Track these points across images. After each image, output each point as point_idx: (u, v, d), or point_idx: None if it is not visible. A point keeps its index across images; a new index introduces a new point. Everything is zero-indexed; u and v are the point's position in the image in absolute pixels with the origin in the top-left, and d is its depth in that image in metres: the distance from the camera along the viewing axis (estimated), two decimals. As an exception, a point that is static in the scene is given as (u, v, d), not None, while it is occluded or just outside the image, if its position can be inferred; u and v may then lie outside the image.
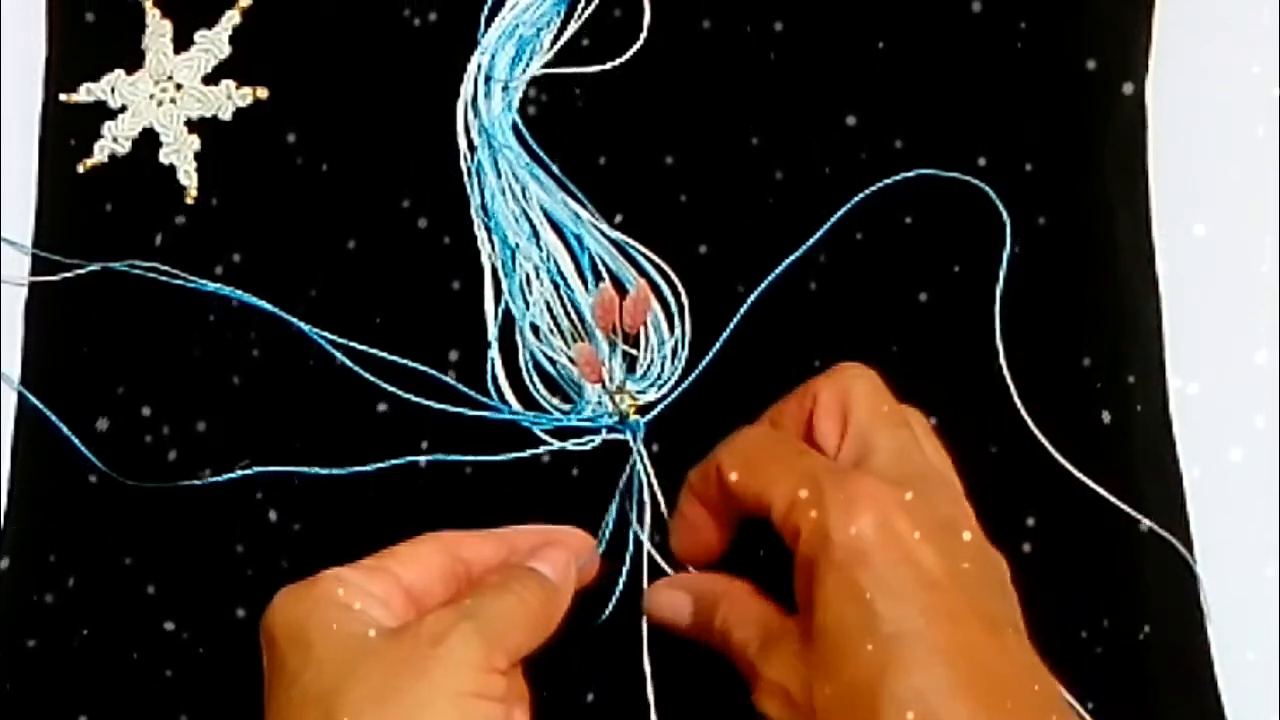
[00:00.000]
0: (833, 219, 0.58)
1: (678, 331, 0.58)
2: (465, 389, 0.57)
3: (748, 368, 0.57)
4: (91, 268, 0.59)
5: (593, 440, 0.57)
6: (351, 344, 0.58)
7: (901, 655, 0.43)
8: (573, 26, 0.61)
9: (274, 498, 0.57)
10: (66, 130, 0.61)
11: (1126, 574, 0.55)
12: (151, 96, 0.61)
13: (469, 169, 0.60)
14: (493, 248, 0.59)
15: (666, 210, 0.59)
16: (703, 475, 0.50)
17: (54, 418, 0.58)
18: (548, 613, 0.49)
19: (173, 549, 0.57)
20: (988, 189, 0.58)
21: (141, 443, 0.58)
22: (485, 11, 0.61)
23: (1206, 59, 0.61)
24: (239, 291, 0.59)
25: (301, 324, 0.58)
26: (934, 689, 0.42)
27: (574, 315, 0.58)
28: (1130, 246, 0.59)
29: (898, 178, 0.58)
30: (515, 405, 0.57)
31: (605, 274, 0.58)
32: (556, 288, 0.58)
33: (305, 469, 0.57)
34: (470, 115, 0.60)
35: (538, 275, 0.58)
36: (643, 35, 0.61)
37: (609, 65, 0.60)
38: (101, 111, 0.61)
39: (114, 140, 0.61)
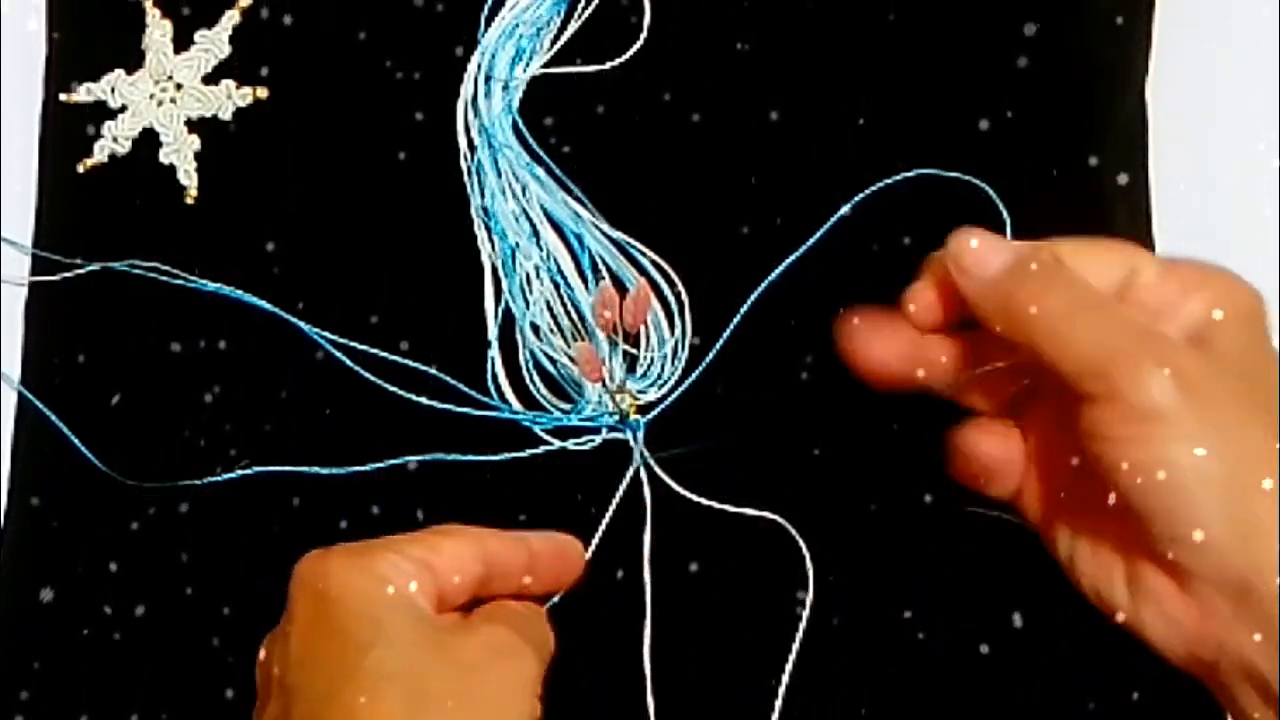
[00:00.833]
0: (833, 219, 0.58)
1: (678, 331, 0.58)
2: (465, 388, 0.57)
3: (748, 367, 0.57)
4: (91, 268, 0.59)
5: (593, 440, 0.57)
6: (351, 344, 0.58)
7: None
8: (573, 26, 0.61)
9: (274, 498, 0.57)
10: (66, 130, 0.61)
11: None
12: (151, 96, 0.61)
13: (469, 169, 0.60)
14: (493, 247, 0.59)
15: (667, 209, 0.59)
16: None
17: (54, 418, 0.58)
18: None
19: (173, 549, 0.57)
20: (988, 188, 0.58)
21: (142, 443, 0.58)
22: (485, 11, 0.61)
23: (1206, 59, 0.61)
24: (239, 291, 0.59)
25: (301, 324, 0.58)
26: None
27: (574, 314, 0.58)
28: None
29: (898, 178, 0.58)
30: (516, 405, 0.57)
31: (605, 273, 0.58)
32: (557, 287, 0.58)
33: (305, 469, 0.57)
34: (470, 115, 0.60)
35: (538, 275, 0.58)
36: (643, 35, 0.61)
37: (609, 65, 0.60)
38: (101, 111, 0.61)
39: (114, 140, 0.61)
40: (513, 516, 0.56)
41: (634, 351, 0.57)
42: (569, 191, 0.59)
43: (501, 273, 0.59)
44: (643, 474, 0.56)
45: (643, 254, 0.58)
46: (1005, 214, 0.58)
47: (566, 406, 0.57)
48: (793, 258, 0.58)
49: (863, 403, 0.56)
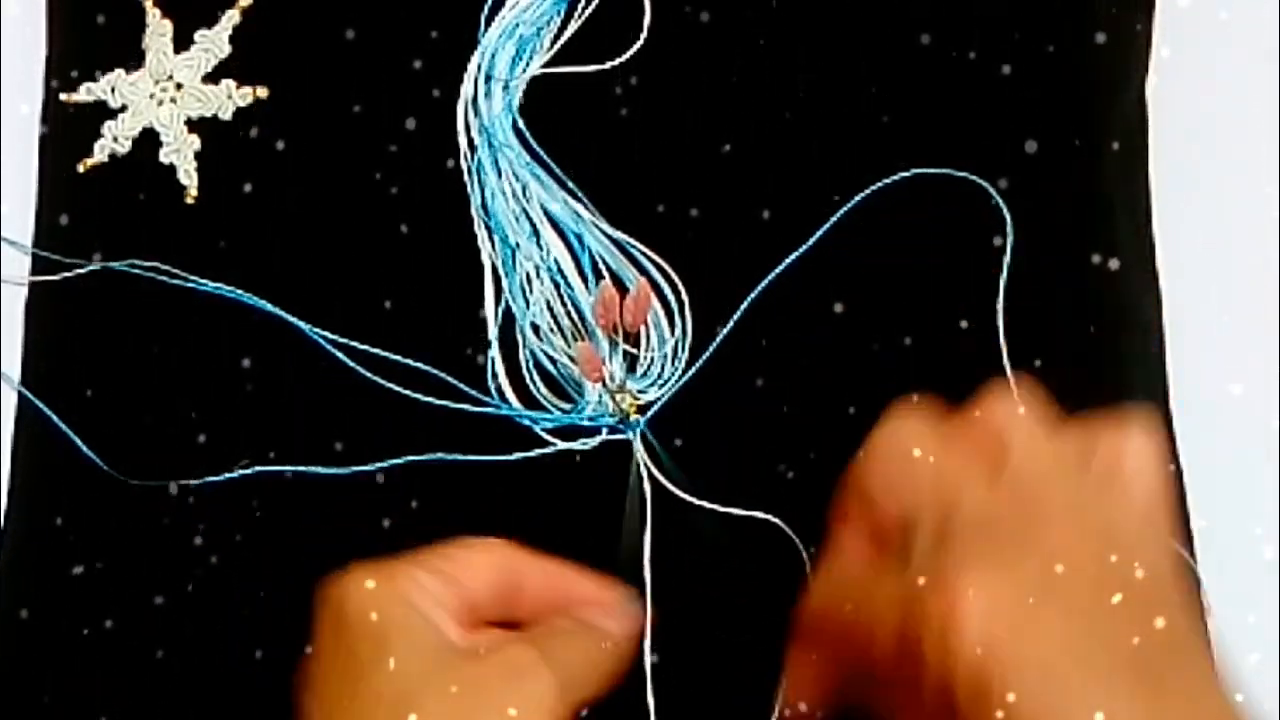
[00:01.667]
0: (833, 218, 0.58)
1: (678, 330, 0.58)
2: (466, 388, 0.57)
3: (748, 367, 0.57)
4: (91, 267, 0.59)
5: (593, 440, 0.57)
6: (351, 343, 0.58)
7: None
8: (573, 26, 0.61)
9: (273, 498, 0.57)
10: (66, 130, 0.61)
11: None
12: (152, 96, 0.61)
13: (469, 168, 0.60)
14: (493, 247, 0.59)
15: (667, 209, 0.59)
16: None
17: (54, 417, 0.58)
18: (612, 671, 0.48)
19: (173, 549, 0.57)
20: (988, 187, 0.58)
21: (142, 442, 0.58)
22: (485, 11, 0.61)
23: (1207, 59, 0.61)
24: (239, 291, 0.59)
25: (301, 324, 0.58)
26: None
27: (574, 314, 0.58)
28: (1130, 245, 0.59)
29: (897, 177, 0.58)
30: (516, 404, 0.57)
31: (605, 273, 0.58)
32: (557, 287, 0.58)
33: (305, 469, 0.57)
34: (470, 114, 0.60)
35: (538, 274, 0.58)
36: (643, 35, 0.61)
37: (609, 65, 0.60)
38: (102, 111, 0.61)
39: (114, 140, 0.61)
40: (512, 516, 0.56)
41: (634, 351, 0.57)
42: (569, 191, 0.59)
43: (501, 272, 0.59)
44: (643, 474, 0.56)
45: (643, 254, 0.58)
46: (1006, 213, 0.58)
47: (567, 406, 0.57)
48: (792, 257, 0.58)
49: (863, 402, 0.57)
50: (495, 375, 0.58)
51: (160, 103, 0.61)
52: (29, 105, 0.62)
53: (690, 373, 0.57)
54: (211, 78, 0.61)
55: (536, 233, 0.59)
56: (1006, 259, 0.57)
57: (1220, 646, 0.55)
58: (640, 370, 0.57)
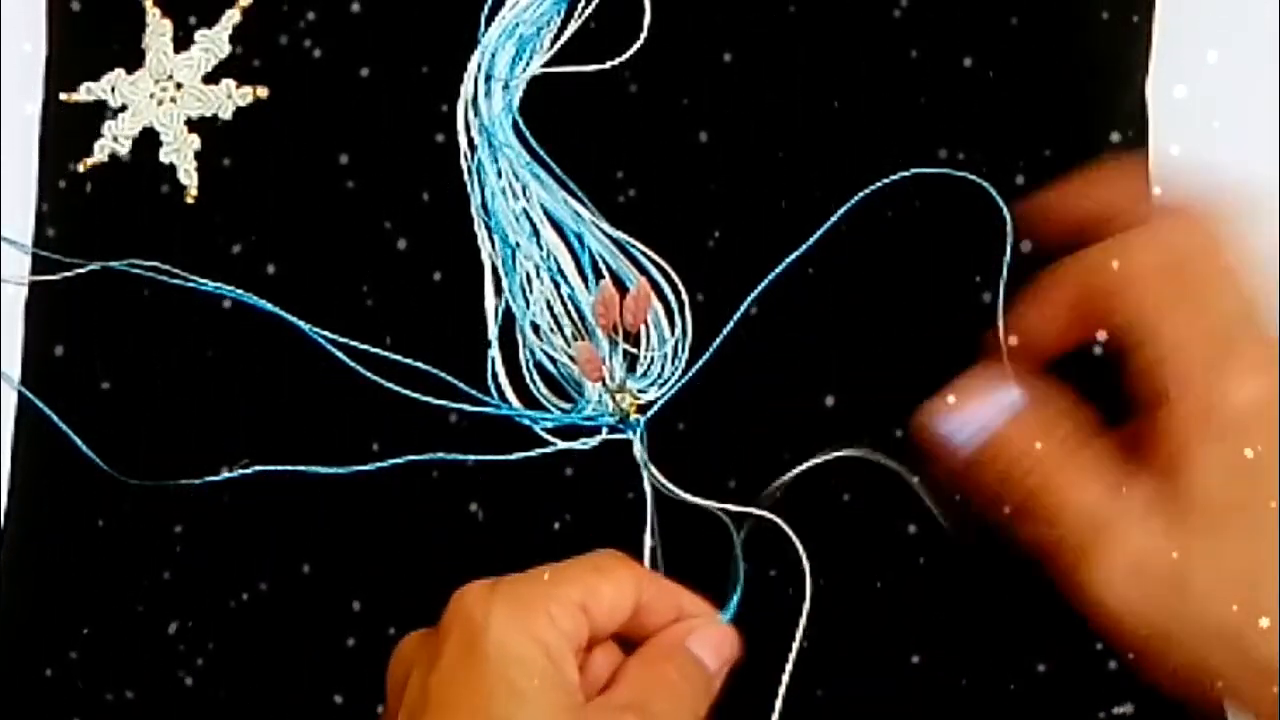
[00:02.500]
0: (833, 218, 0.58)
1: (678, 330, 0.58)
2: (466, 387, 0.57)
3: (748, 366, 0.57)
4: (91, 267, 0.59)
5: (593, 439, 0.57)
6: (351, 343, 0.58)
7: None
8: (573, 25, 0.61)
9: (274, 497, 0.57)
10: (66, 130, 0.61)
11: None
12: (152, 96, 0.61)
13: (469, 168, 0.60)
14: (493, 246, 0.59)
15: (667, 208, 0.59)
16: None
17: (54, 417, 0.58)
18: (701, 710, 0.49)
19: (173, 549, 0.57)
20: (989, 187, 0.58)
21: (142, 442, 0.58)
22: (485, 10, 0.61)
23: (1206, 59, 0.61)
24: (239, 291, 0.59)
25: (301, 323, 0.58)
26: None
27: (574, 314, 0.58)
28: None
29: (897, 177, 0.58)
30: (516, 404, 0.57)
31: (606, 272, 0.58)
32: (557, 286, 0.58)
33: (305, 468, 0.57)
34: (470, 114, 0.60)
35: (538, 274, 0.58)
36: (643, 35, 0.61)
37: (609, 64, 0.60)
38: (102, 111, 0.61)
39: (114, 140, 0.61)
40: (512, 516, 0.56)
41: (634, 351, 0.57)
42: (569, 191, 0.59)
43: (501, 272, 0.59)
44: (643, 474, 0.56)
45: (643, 254, 0.58)
46: (1006, 213, 0.58)
47: (567, 406, 0.57)
48: (792, 257, 0.58)
49: (863, 402, 0.57)
50: (495, 375, 0.58)
51: (160, 102, 0.61)
52: (29, 105, 0.62)
53: (690, 373, 0.57)
54: (211, 78, 0.61)
55: (536, 233, 0.59)
56: (1006, 259, 0.57)
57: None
58: (640, 370, 0.57)
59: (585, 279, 0.58)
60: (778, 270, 0.57)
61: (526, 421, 0.57)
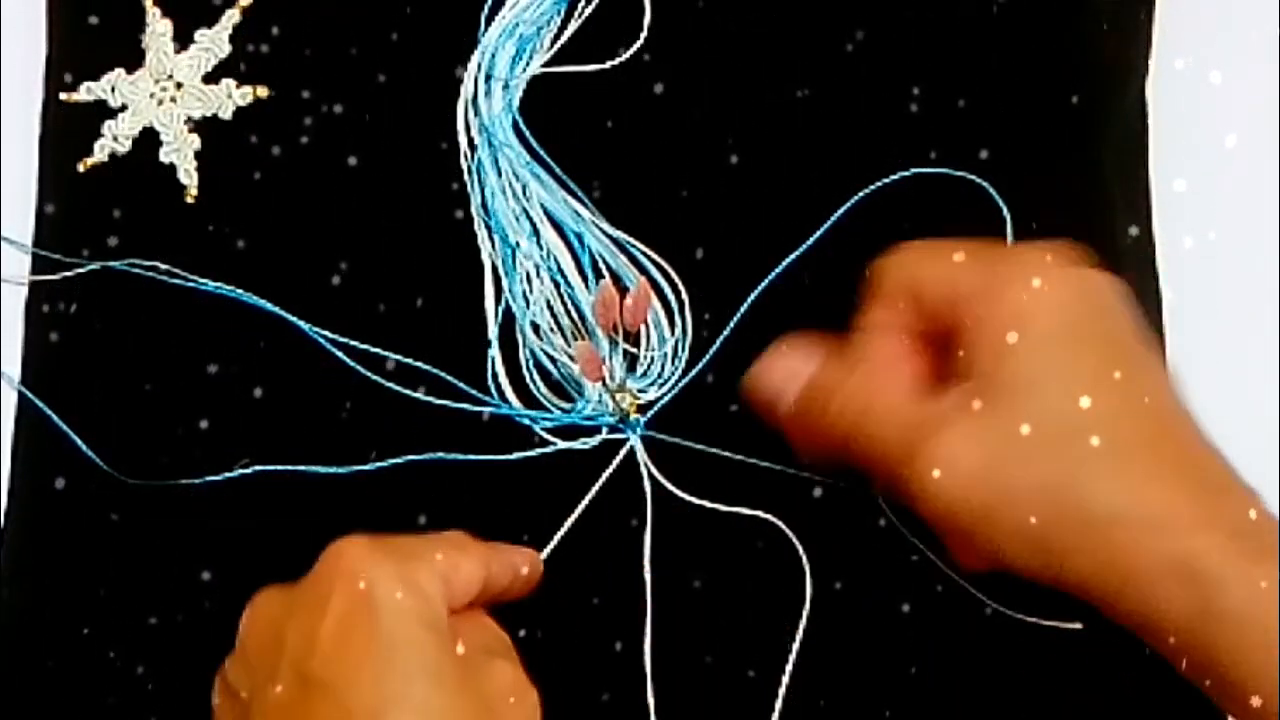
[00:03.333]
0: (833, 218, 0.58)
1: (678, 330, 0.58)
2: (466, 387, 0.57)
3: (748, 366, 0.57)
4: (91, 267, 0.59)
5: (593, 439, 0.57)
6: (351, 343, 0.58)
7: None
8: (573, 25, 0.61)
9: (274, 497, 0.57)
10: (67, 129, 0.61)
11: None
12: (152, 95, 0.61)
13: (469, 168, 0.60)
14: (493, 246, 0.59)
15: (667, 208, 0.59)
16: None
17: (54, 417, 0.58)
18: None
19: (173, 548, 0.57)
20: (989, 187, 0.58)
21: (142, 442, 0.58)
22: (485, 10, 0.61)
23: (1207, 59, 0.61)
24: (239, 291, 0.59)
25: (301, 323, 0.58)
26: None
27: (574, 313, 0.58)
28: (1130, 246, 0.59)
29: (897, 176, 0.58)
30: (516, 404, 0.57)
31: (605, 272, 0.58)
32: (557, 286, 0.58)
33: (305, 468, 0.57)
34: (470, 114, 0.60)
35: (538, 274, 0.58)
36: (643, 35, 0.61)
37: (609, 64, 0.60)
38: (102, 110, 0.61)
39: (114, 139, 0.61)
40: (512, 516, 0.56)
41: (634, 351, 0.57)
42: (569, 191, 0.59)
43: (501, 272, 0.59)
44: (643, 474, 0.56)
45: (643, 253, 0.58)
46: (1006, 212, 0.58)
47: (567, 406, 0.57)
48: (792, 257, 0.58)
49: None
50: (495, 375, 0.58)
51: (160, 102, 0.61)
52: (29, 105, 0.62)
53: (691, 373, 0.57)
54: (211, 78, 0.61)
55: (536, 232, 0.59)
56: (1006, 259, 0.57)
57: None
58: (640, 370, 0.57)
59: (585, 279, 0.58)
60: (778, 270, 0.57)
61: (526, 421, 0.57)
